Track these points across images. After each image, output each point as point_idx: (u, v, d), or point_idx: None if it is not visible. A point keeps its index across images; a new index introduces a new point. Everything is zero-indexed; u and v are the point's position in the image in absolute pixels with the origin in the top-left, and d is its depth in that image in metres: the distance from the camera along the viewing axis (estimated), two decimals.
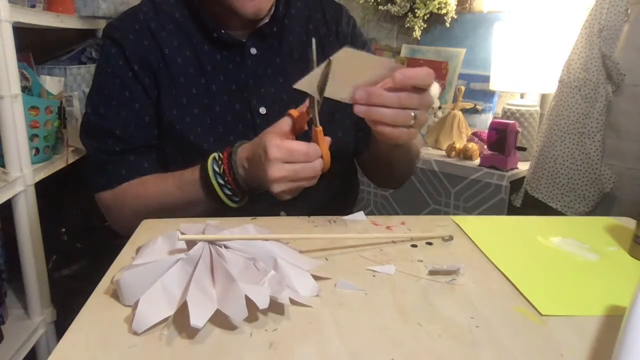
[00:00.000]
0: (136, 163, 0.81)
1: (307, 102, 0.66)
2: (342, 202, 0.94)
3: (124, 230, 0.80)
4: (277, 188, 0.65)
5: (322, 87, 0.63)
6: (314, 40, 0.67)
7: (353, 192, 0.98)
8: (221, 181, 0.71)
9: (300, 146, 0.65)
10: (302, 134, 0.69)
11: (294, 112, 0.68)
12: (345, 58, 0.60)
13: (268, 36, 0.84)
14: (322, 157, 0.67)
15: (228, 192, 0.71)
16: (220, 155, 0.72)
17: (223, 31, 0.81)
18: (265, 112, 0.82)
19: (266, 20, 0.83)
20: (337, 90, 0.63)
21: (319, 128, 0.68)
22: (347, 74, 0.61)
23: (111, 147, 0.80)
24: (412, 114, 0.62)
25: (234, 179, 0.70)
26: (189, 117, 0.80)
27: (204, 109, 0.81)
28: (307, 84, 0.63)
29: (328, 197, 0.86)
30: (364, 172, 0.97)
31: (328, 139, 0.69)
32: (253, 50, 0.83)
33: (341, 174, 0.90)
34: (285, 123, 0.68)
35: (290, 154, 0.64)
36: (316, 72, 0.62)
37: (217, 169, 0.71)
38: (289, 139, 0.67)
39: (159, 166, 0.83)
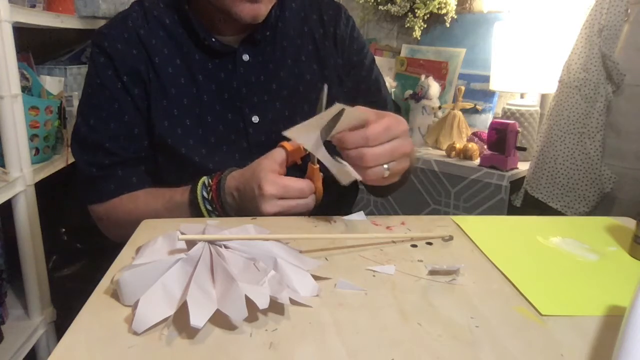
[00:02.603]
0: (125, 178, 0.80)
1: None
2: (342, 202, 0.94)
3: (116, 239, 0.80)
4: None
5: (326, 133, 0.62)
6: (325, 87, 0.67)
7: (353, 192, 0.98)
8: (209, 207, 0.71)
9: (295, 183, 0.66)
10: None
11: (288, 145, 0.68)
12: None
13: (261, 42, 0.83)
14: (315, 192, 0.68)
15: (215, 218, 0.72)
16: (210, 181, 0.72)
17: (214, 39, 0.80)
18: (257, 120, 0.82)
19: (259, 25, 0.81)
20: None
21: (316, 166, 0.68)
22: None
23: (100, 161, 0.80)
24: (386, 166, 0.63)
25: (222, 206, 0.71)
26: (181, 129, 0.80)
27: (196, 120, 0.80)
28: (304, 131, 0.62)
29: (328, 197, 0.86)
30: None
31: (321, 175, 0.70)
32: (245, 57, 0.81)
33: None
34: (278, 154, 0.68)
35: (285, 191, 0.66)
36: (316, 121, 0.61)
37: (205, 195, 0.71)
38: (282, 171, 0.68)
39: (148, 178, 0.83)
